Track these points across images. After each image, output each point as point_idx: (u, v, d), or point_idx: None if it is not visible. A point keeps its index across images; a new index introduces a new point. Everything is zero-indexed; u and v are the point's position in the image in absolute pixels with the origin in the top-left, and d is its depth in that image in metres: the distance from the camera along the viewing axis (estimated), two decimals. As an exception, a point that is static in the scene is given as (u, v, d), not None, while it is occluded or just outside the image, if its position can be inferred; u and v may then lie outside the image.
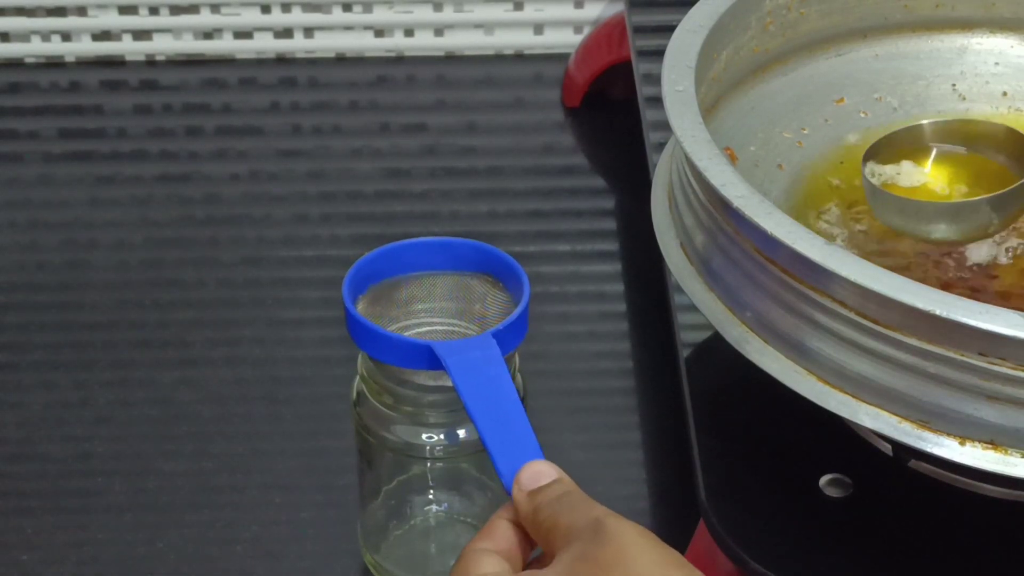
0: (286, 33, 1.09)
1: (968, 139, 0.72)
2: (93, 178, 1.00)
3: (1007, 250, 0.70)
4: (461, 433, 0.68)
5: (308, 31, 1.09)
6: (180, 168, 1.01)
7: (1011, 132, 0.72)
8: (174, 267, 0.92)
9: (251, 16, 1.08)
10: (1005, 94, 0.78)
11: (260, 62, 1.09)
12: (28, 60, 1.09)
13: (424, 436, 0.68)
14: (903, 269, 0.69)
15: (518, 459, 0.57)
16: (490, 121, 1.05)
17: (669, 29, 0.70)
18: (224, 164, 1.01)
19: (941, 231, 0.68)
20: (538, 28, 1.09)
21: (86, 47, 1.09)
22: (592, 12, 1.08)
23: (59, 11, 1.08)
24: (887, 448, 0.67)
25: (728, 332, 0.64)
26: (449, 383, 0.62)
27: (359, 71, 1.09)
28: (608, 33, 1.04)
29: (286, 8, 1.08)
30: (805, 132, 0.76)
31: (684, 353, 0.73)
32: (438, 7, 1.08)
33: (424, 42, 1.10)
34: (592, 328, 0.89)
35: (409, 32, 1.09)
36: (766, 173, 0.73)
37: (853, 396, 0.60)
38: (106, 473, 0.80)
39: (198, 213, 0.97)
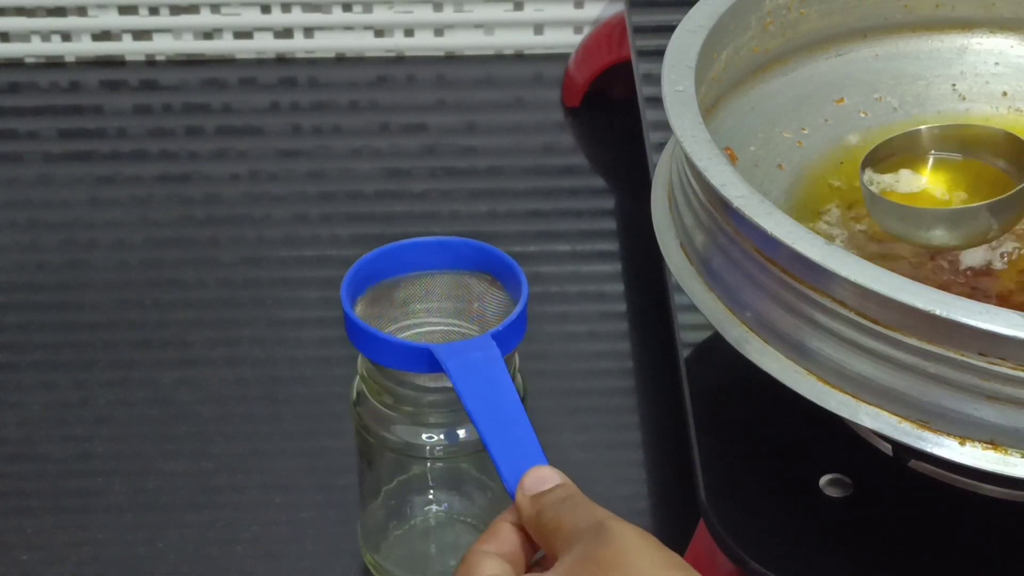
0: (286, 33, 1.09)
1: (966, 144, 0.72)
2: (93, 178, 1.00)
3: (1002, 255, 0.70)
4: (461, 433, 0.68)
5: (308, 31, 1.09)
6: (180, 168, 1.01)
7: (1009, 137, 0.71)
8: (174, 267, 0.92)
9: (251, 16, 1.08)
10: (1005, 94, 0.78)
11: (260, 62, 1.09)
12: (28, 60, 1.09)
13: (424, 436, 0.68)
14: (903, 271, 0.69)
15: (519, 460, 0.57)
16: (490, 121, 1.05)
17: (669, 29, 0.70)
18: (224, 164, 1.01)
19: (941, 237, 0.68)
20: (538, 28, 1.09)
21: (86, 47, 1.09)
22: (592, 12, 1.08)
23: (59, 11, 1.08)
24: (887, 448, 0.67)
25: (728, 332, 0.64)
26: (449, 383, 0.62)
27: (359, 71, 1.09)
28: (608, 33, 1.04)
29: (286, 8, 1.08)
30: (805, 132, 0.76)
31: (684, 353, 0.73)
32: (438, 7, 1.08)
33: (424, 42, 1.10)
34: (592, 328, 0.89)
35: (409, 32, 1.09)
36: (766, 173, 0.73)
37: (853, 396, 0.60)
38: (106, 473, 0.80)
39: (198, 213, 0.97)
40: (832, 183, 0.74)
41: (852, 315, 0.59)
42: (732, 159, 0.71)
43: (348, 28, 1.09)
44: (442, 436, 0.68)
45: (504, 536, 0.56)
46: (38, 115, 1.06)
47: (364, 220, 0.97)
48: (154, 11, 1.08)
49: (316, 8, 1.08)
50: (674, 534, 0.70)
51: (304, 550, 0.76)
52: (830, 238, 0.71)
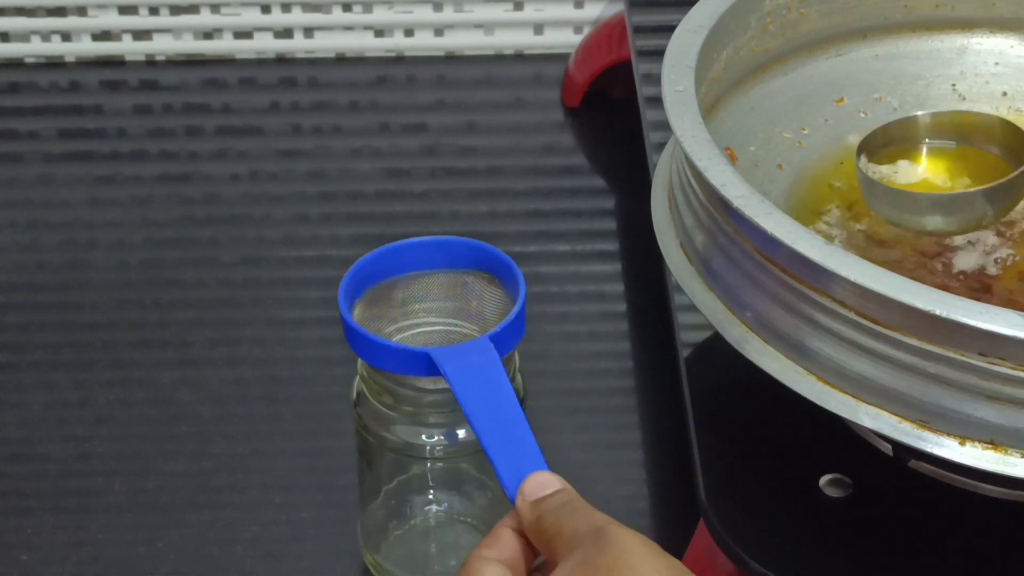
0: (286, 33, 1.09)
1: (962, 132, 0.72)
2: (93, 178, 1.00)
3: (996, 260, 0.70)
4: (461, 433, 0.68)
5: (308, 31, 1.09)
6: (180, 168, 1.01)
7: (1005, 124, 0.71)
8: (174, 267, 0.92)
9: (251, 16, 1.08)
10: (1005, 94, 0.78)
11: (260, 62, 1.09)
12: (28, 60, 1.09)
13: (424, 436, 0.68)
14: (903, 271, 0.69)
15: (519, 464, 0.57)
16: (490, 121, 1.05)
17: (669, 29, 0.70)
18: (224, 164, 1.01)
19: (936, 223, 0.68)
20: (538, 28, 1.09)
21: (86, 47, 1.09)
22: (592, 12, 1.08)
23: (59, 11, 1.08)
24: (887, 448, 0.67)
25: (728, 332, 0.64)
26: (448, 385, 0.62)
27: (359, 71, 1.09)
28: (608, 33, 1.04)
29: (286, 8, 1.08)
30: (805, 132, 0.76)
31: (684, 353, 0.73)
32: (438, 7, 1.08)
33: (424, 42, 1.10)
34: (592, 328, 0.89)
35: (409, 32, 1.09)
36: (766, 173, 0.73)
37: (853, 396, 0.60)
38: (106, 473, 0.80)
39: (198, 213, 0.97)
40: (832, 183, 0.74)
41: (852, 315, 0.59)
42: (732, 159, 0.71)
43: (348, 28, 1.09)
44: (442, 436, 0.68)
45: (504, 542, 0.57)
46: (38, 115, 1.06)
47: (364, 220, 0.97)
48: (154, 11, 1.08)
49: (316, 8, 1.08)
50: (674, 534, 0.70)
51: (304, 550, 0.76)
52: (830, 238, 0.71)
